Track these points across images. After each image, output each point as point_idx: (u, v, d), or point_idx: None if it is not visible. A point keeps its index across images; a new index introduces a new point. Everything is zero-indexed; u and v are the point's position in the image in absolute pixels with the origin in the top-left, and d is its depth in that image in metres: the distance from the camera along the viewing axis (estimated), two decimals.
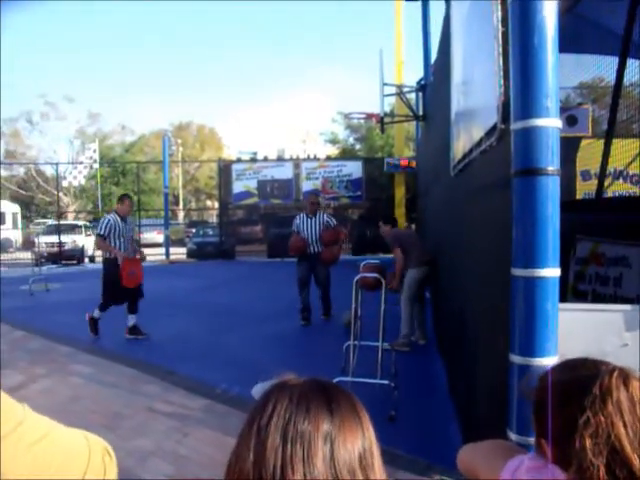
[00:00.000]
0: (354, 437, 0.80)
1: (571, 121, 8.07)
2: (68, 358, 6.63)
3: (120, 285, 7.47)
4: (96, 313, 7.74)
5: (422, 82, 14.03)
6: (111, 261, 7.57)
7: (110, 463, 1.00)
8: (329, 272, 8.50)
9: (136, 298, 7.72)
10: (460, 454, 1.41)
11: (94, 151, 23.05)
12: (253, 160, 23.58)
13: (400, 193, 20.23)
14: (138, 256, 7.95)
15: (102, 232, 7.50)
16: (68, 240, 21.69)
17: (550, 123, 1.92)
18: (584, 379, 1.02)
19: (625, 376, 0.99)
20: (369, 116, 16.69)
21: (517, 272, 2.02)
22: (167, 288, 12.94)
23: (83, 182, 25.88)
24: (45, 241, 21.14)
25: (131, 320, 7.71)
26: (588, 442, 0.95)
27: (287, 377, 0.89)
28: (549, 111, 1.91)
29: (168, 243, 22.39)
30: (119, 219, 7.62)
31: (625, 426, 0.95)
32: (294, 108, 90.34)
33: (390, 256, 20.73)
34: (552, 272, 1.98)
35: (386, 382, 4.74)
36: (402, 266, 6.78)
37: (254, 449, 0.79)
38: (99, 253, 22.91)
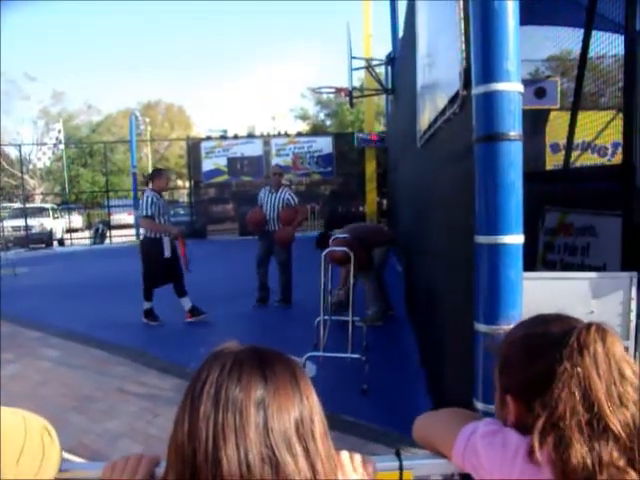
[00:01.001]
0: (290, 405, 0.77)
1: (540, 93, 8.07)
2: (37, 342, 6.52)
3: (162, 266, 7.19)
4: (146, 305, 7.37)
5: (391, 55, 13.96)
6: (153, 241, 7.14)
7: (50, 443, 0.97)
8: (290, 253, 8.00)
9: (181, 278, 7.38)
10: (416, 424, 1.39)
11: (59, 131, 22.51)
12: (223, 137, 23.33)
13: (371, 168, 20.20)
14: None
15: (149, 212, 7.01)
16: (35, 223, 21.29)
17: (511, 87, 1.88)
18: (560, 332, 1.01)
19: (602, 330, 0.99)
20: (338, 90, 16.53)
21: (480, 239, 2.00)
22: (137, 269, 12.78)
23: (48, 164, 25.34)
24: (11, 225, 20.73)
25: (186, 303, 7.36)
26: (564, 392, 0.95)
27: (226, 344, 0.85)
28: (510, 75, 1.87)
29: (138, 224, 22.12)
30: (158, 196, 7.23)
31: (600, 379, 0.95)
32: (263, 84, 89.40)
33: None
34: (515, 239, 1.96)
35: (357, 356, 4.75)
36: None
37: (188, 418, 0.77)
38: (68, 236, 22.76)
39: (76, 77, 74.16)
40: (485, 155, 1.94)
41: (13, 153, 34.62)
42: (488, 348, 1.94)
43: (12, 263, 13.08)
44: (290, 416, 0.77)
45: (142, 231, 7.33)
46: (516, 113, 1.90)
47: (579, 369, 0.96)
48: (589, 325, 1.00)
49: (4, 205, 33.67)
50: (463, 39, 2.27)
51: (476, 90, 1.94)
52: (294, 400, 0.78)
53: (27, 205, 23.88)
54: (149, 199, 7.04)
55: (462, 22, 2.27)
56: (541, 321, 1.09)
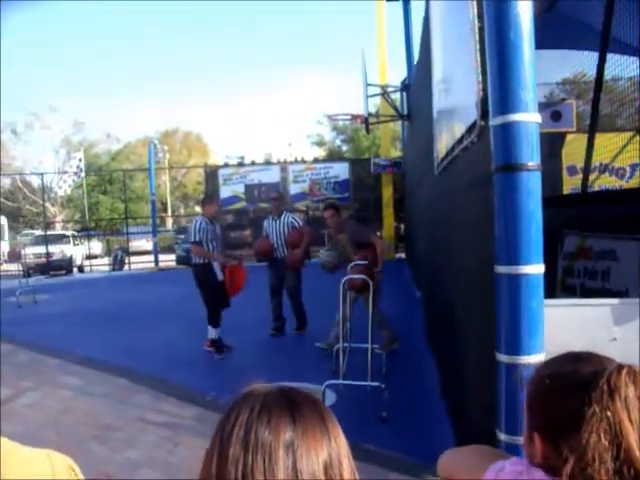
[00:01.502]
0: (318, 447, 0.77)
1: (556, 117, 8.06)
2: (57, 370, 6.56)
3: (220, 289, 7.07)
4: (213, 334, 7.11)
5: (406, 82, 14.07)
6: (203, 267, 7.06)
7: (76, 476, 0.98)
8: (299, 279, 7.78)
9: (214, 307, 7.16)
10: (440, 460, 1.38)
11: (80, 160, 22.89)
12: (240, 165, 23.52)
13: (388, 193, 20.23)
14: (236, 262, 7.60)
15: (197, 238, 6.94)
16: (56, 250, 21.51)
17: (529, 118, 1.90)
18: (590, 372, 0.98)
19: (634, 373, 0.96)
20: (354, 117, 16.66)
21: (501, 269, 2.00)
22: (156, 296, 12.87)
23: (69, 191, 25.71)
24: (32, 252, 20.97)
25: (212, 333, 7.12)
26: (593, 437, 0.92)
27: (254, 386, 0.86)
28: (527, 105, 1.89)
29: (157, 250, 22.28)
30: (208, 221, 7.14)
31: (632, 424, 0.92)
32: (280, 111, 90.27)
33: None
34: (536, 269, 1.95)
35: (376, 383, 4.72)
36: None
37: (217, 460, 0.77)
38: (88, 263, 23.01)
39: (96, 107, 75.29)
40: (504, 185, 1.95)
41: (35, 182, 35.29)
42: (517, 381, 1.92)
43: (32, 290, 13.20)
44: (319, 458, 0.77)
45: (193, 257, 7.19)
46: (534, 143, 1.91)
47: (609, 413, 0.93)
48: (620, 367, 0.97)
49: (26, 232, 34.23)
50: (479, 70, 2.29)
51: (494, 121, 1.96)
52: (322, 442, 0.78)
53: (48, 232, 24.17)
54: (198, 224, 7.00)
55: (478, 53, 2.29)
56: (571, 359, 1.07)
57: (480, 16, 2.20)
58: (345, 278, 5.18)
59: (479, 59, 2.30)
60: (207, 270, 7.03)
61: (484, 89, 2.23)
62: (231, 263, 7.39)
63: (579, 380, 0.99)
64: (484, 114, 2.27)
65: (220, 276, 7.09)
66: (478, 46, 2.29)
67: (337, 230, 6.44)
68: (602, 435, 0.92)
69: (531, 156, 1.90)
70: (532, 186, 1.90)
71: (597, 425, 0.93)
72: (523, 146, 1.89)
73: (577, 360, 1.05)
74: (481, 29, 2.21)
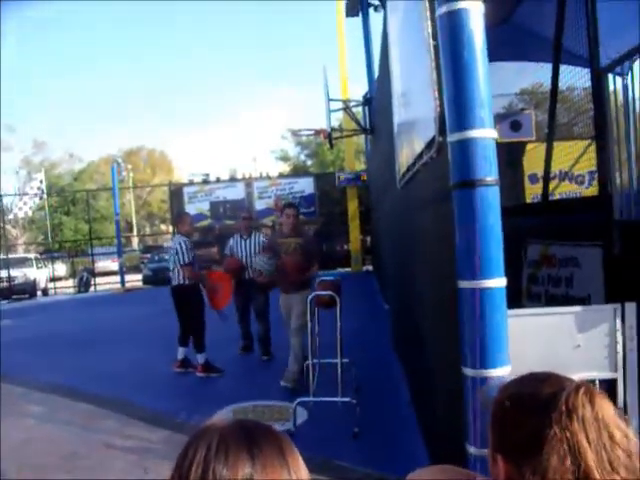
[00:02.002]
0: None
1: (516, 127, 8.21)
2: (20, 399, 6.38)
3: (191, 315, 6.95)
4: (202, 359, 6.92)
5: (367, 96, 14.17)
6: (193, 289, 6.96)
7: None
8: (267, 301, 7.50)
9: (200, 332, 7.00)
10: None
11: (41, 181, 22.50)
12: (205, 182, 23.38)
13: (353, 207, 20.33)
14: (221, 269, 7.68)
15: (188, 260, 6.83)
16: (18, 274, 21.02)
17: (485, 134, 1.92)
18: (549, 394, 0.99)
19: (590, 393, 0.97)
20: (317, 132, 16.71)
21: (463, 284, 2.01)
22: (123, 317, 12.67)
23: (30, 213, 25.24)
24: None
25: (201, 359, 6.95)
26: (554, 459, 0.92)
27: (213, 420, 0.85)
28: (483, 122, 1.91)
29: (123, 271, 21.98)
30: (188, 240, 7.03)
31: (589, 444, 0.92)
32: (243, 127, 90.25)
33: (346, 270, 20.43)
34: (498, 282, 1.97)
35: (347, 399, 4.70)
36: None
37: None
38: (52, 285, 22.52)
39: (57, 126, 74.44)
40: (463, 201, 1.96)
41: None
42: (482, 403, 1.92)
43: None
44: None
45: (175, 278, 6.97)
46: (491, 159, 1.93)
47: (568, 434, 0.93)
48: (577, 387, 0.98)
49: None
50: (436, 87, 2.31)
51: (451, 138, 1.98)
52: (282, 476, 0.77)
53: (9, 255, 23.62)
54: (184, 245, 6.84)
55: (434, 71, 2.32)
56: (532, 380, 1.06)
57: (435, 35, 2.23)
58: (313, 294, 5.16)
59: (435, 76, 2.33)
60: (196, 292, 6.98)
61: (441, 105, 2.26)
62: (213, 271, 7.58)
63: (539, 401, 0.99)
64: (442, 130, 2.29)
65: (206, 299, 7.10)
66: (434, 64, 2.32)
67: (292, 232, 6.12)
68: (562, 456, 0.92)
69: (489, 171, 1.92)
70: (491, 200, 1.92)
71: (557, 446, 0.93)
72: (480, 161, 1.91)
73: (537, 380, 1.05)
74: (436, 47, 2.23)
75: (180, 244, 6.84)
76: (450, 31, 1.94)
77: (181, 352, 7.08)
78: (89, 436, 4.96)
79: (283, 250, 5.99)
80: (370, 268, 19.05)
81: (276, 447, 0.80)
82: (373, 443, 4.42)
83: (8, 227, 29.30)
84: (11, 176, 39.72)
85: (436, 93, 2.32)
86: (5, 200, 25.16)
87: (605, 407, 0.96)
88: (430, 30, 2.32)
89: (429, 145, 2.68)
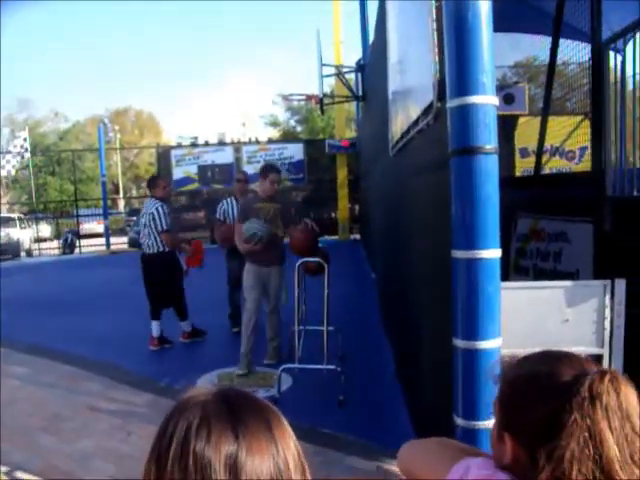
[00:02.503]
0: (265, 459, 0.72)
1: (508, 99, 8.15)
2: (3, 359, 6.33)
3: (177, 283, 6.69)
4: (156, 331, 6.65)
5: (361, 62, 14.01)
6: (169, 256, 6.60)
7: None
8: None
9: (182, 299, 6.81)
10: (400, 453, 1.33)
11: (24, 139, 22.11)
12: (193, 145, 23.16)
13: (342, 174, 20.25)
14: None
15: (165, 226, 6.44)
16: (2, 234, 20.80)
17: (487, 100, 1.87)
18: (571, 376, 0.94)
19: (616, 380, 0.92)
20: (308, 97, 16.56)
21: (458, 254, 1.98)
22: (108, 279, 12.60)
23: (13, 172, 24.86)
24: None
25: (186, 326, 6.86)
26: (572, 446, 0.88)
27: (192, 391, 0.79)
28: (485, 88, 1.86)
29: (108, 233, 21.83)
30: (164, 205, 6.61)
31: (612, 433, 0.88)
32: (233, 91, 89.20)
33: (333, 238, 20.44)
34: (493, 253, 1.94)
35: (332, 367, 4.71)
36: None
37: (155, 472, 0.72)
38: (36, 246, 22.33)
39: (42, 83, 73.00)
40: (461, 169, 1.92)
41: None
42: (489, 376, 1.90)
43: None
44: (264, 471, 0.71)
45: (151, 245, 6.53)
46: (491, 126, 1.89)
47: (589, 421, 0.89)
48: (603, 373, 0.93)
49: None
50: (437, 51, 2.25)
51: (451, 103, 1.92)
52: (269, 453, 0.73)
53: None
54: (161, 210, 6.44)
55: (435, 34, 2.25)
56: (549, 358, 1.02)
57: None
58: (300, 261, 5.12)
59: (437, 40, 2.26)
60: (173, 259, 6.67)
61: (441, 71, 2.19)
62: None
63: (558, 383, 0.94)
64: (441, 96, 2.24)
65: (184, 266, 6.84)
66: (435, 26, 2.25)
67: (271, 197, 5.57)
68: (582, 444, 0.88)
69: (489, 139, 1.88)
70: (490, 169, 1.88)
71: (577, 433, 0.89)
72: (481, 128, 1.86)
73: (555, 360, 1.00)
74: (439, 9, 2.16)
75: (157, 209, 6.43)
76: None
77: (156, 328, 6.66)
78: (73, 398, 4.94)
79: (262, 215, 5.43)
80: (357, 237, 19.07)
81: (263, 421, 0.75)
82: (357, 411, 4.44)
83: None
84: None
85: (436, 58, 2.25)
86: None
87: (630, 396, 0.92)
88: None
89: (426, 111, 2.63)
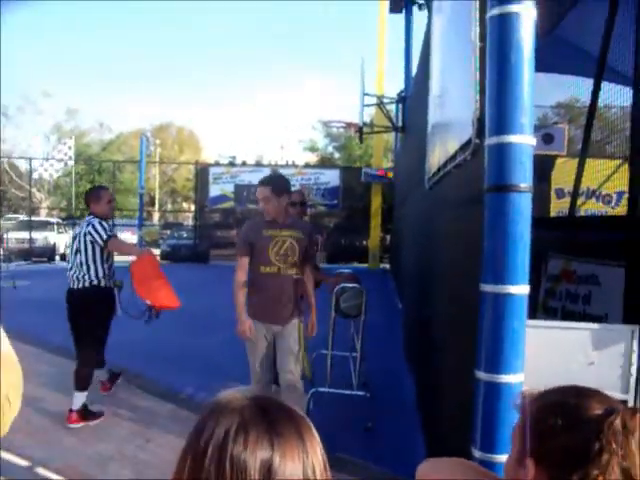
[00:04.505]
0: (295, 465, 0.76)
1: (547, 139, 8.16)
2: (32, 358, 6.47)
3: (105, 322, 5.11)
4: (78, 400, 4.74)
5: (402, 94, 14.14)
6: (98, 291, 4.96)
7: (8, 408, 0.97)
8: None
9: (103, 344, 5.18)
10: (419, 470, 1.36)
11: (69, 147, 22.70)
12: (231, 164, 23.53)
13: (377, 203, 20.31)
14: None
15: (110, 232, 4.96)
16: (39, 237, 21.29)
17: (524, 140, 1.91)
18: (601, 410, 0.96)
19: None
20: (348, 125, 16.76)
21: (486, 288, 2.01)
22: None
23: (54, 176, 25.45)
24: (15, 237, 20.76)
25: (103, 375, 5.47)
26: (607, 477, 0.90)
27: (228, 395, 0.84)
28: (523, 128, 1.91)
29: (142, 244, 22.17)
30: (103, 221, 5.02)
31: None
32: (274, 115, 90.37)
33: (363, 266, 20.32)
34: (521, 289, 1.97)
35: (362, 393, 4.72)
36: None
37: (190, 474, 0.76)
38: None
39: (90, 95, 75.06)
40: (495, 205, 1.96)
41: (22, 165, 34.96)
42: (512, 405, 1.91)
43: (12, 275, 13.05)
44: (295, 478, 0.76)
45: (81, 278, 4.88)
46: (527, 165, 1.93)
47: (622, 453, 0.90)
48: (634, 410, 0.96)
49: (9, 216, 33.89)
50: (478, 88, 2.30)
51: (489, 141, 1.97)
52: (300, 459, 0.77)
53: (32, 218, 23.93)
54: (98, 226, 4.89)
55: (478, 72, 2.31)
56: (579, 392, 1.04)
57: (482, 36, 2.22)
58: (338, 286, 5.03)
59: (478, 77, 2.32)
60: (108, 294, 5.09)
61: (481, 108, 2.25)
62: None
63: (588, 415, 0.97)
64: (480, 132, 2.29)
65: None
66: (478, 64, 2.31)
67: (285, 224, 4.14)
68: (615, 475, 0.90)
69: (523, 177, 1.92)
70: (523, 207, 1.92)
71: (611, 464, 0.90)
72: (516, 167, 1.91)
73: (585, 395, 1.03)
74: (482, 49, 2.22)
75: (93, 226, 4.86)
76: (500, 33, 1.93)
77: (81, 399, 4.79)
78: (96, 401, 5.03)
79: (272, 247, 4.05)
80: (387, 266, 19.03)
81: (295, 430, 0.80)
82: (375, 438, 4.44)
83: (33, 190, 29.61)
84: (42, 140, 40.12)
85: (477, 95, 2.31)
86: (33, 163, 25.34)
87: None
88: (478, 31, 2.30)
89: (464, 147, 2.67)
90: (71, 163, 23.62)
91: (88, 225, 4.88)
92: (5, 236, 20.10)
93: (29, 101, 38.85)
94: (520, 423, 1.07)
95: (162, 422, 4.71)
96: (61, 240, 22.83)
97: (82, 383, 4.75)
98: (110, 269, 5.09)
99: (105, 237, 4.84)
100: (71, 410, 4.67)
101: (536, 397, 1.08)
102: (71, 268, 4.98)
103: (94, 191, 5.28)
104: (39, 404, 4.94)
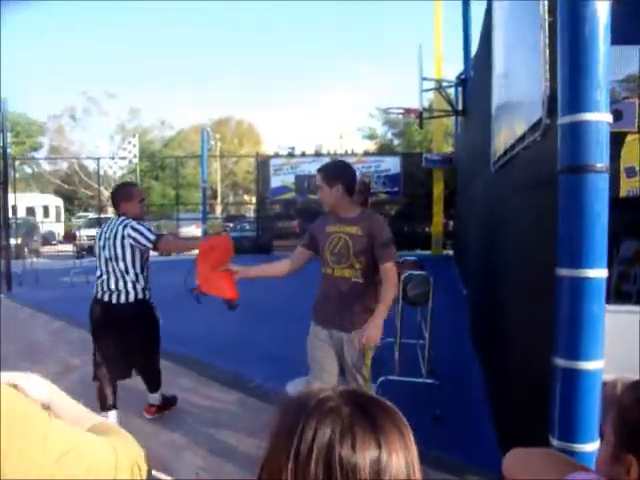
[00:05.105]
0: (400, 459, 0.77)
1: (616, 115, 7.83)
2: None
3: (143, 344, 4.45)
4: (156, 400, 4.73)
5: (462, 76, 13.86)
6: (135, 307, 4.35)
7: (139, 475, 0.98)
8: None
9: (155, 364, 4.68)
10: (507, 460, 1.32)
11: (134, 145, 23.32)
12: (291, 155, 23.67)
13: (439, 189, 20.03)
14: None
15: (155, 233, 4.35)
16: None
17: (600, 117, 1.83)
18: None
19: None
20: (408, 111, 16.55)
21: (563, 272, 1.94)
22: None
23: (119, 173, 26.18)
24: (86, 234, 21.54)
25: (154, 400, 4.76)
26: None
27: (316, 393, 0.84)
28: (599, 105, 1.82)
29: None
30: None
31: None
32: (332, 103, 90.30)
33: (426, 252, 20.13)
34: (599, 273, 1.90)
35: (431, 381, 4.69)
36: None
37: (292, 474, 0.76)
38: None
39: (151, 94, 76.89)
40: (570, 186, 1.89)
41: (90, 165, 36.27)
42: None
43: (85, 271, 13.54)
44: (402, 472, 0.77)
45: (115, 289, 4.27)
46: (604, 144, 1.85)
47: None
48: None
49: (80, 215, 35.21)
50: (547, 67, 2.22)
51: (562, 120, 1.90)
52: (404, 454, 0.78)
53: (102, 215, 24.77)
54: (139, 227, 4.24)
55: (547, 49, 2.23)
56: None
57: (551, 10, 2.14)
58: (405, 274, 4.99)
59: (548, 55, 2.23)
60: (148, 309, 4.54)
61: (552, 86, 2.17)
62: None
63: None
64: (550, 112, 2.21)
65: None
66: (547, 41, 2.22)
67: (344, 218, 3.59)
68: None
69: (600, 157, 1.84)
70: (600, 188, 1.84)
71: None
72: (592, 147, 1.83)
73: None
74: (551, 24, 2.14)
75: (132, 227, 4.19)
76: (572, 5, 1.85)
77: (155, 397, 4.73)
78: (168, 391, 5.16)
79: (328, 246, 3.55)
80: (450, 252, 18.77)
81: (395, 424, 0.81)
82: (444, 426, 4.40)
83: (101, 189, 30.60)
84: (107, 140, 41.42)
85: (547, 73, 2.23)
86: (101, 163, 26.20)
87: None
88: (547, 4, 2.21)
89: (533, 127, 2.59)
90: (135, 161, 24.21)
91: (125, 227, 4.17)
92: (77, 233, 20.85)
93: (95, 102, 40.11)
94: (615, 415, 1.02)
95: (232, 410, 4.81)
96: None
97: (156, 385, 4.68)
98: (148, 279, 4.51)
99: (153, 238, 4.22)
100: (151, 405, 4.67)
101: (631, 387, 1.02)
102: (101, 276, 4.31)
103: (124, 188, 4.56)
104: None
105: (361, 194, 4.91)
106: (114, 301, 4.25)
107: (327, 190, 3.47)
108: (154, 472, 3.50)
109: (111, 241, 4.22)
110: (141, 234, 4.19)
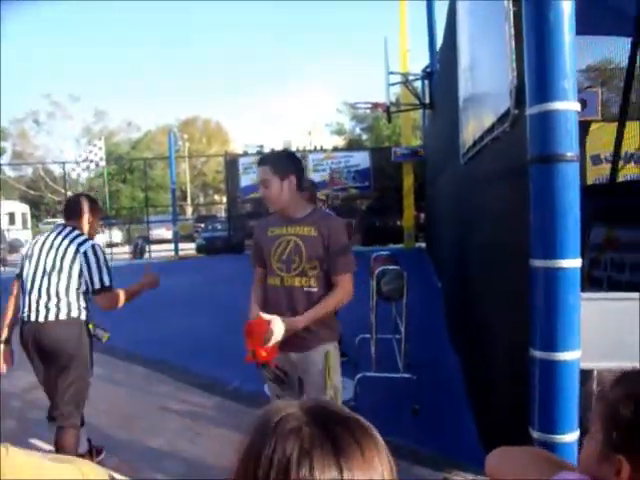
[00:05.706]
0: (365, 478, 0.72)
1: (581, 105, 7.91)
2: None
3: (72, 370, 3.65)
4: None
5: (428, 69, 13.91)
6: (83, 326, 3.73)
7: None
8: None
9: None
10: (490, 459, 1.28)
11: (99, 148, 22.97)
12: (259, 153, 23.49)
13: (408, 182, 20.12)
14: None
15: (109, 279, 3.70)
16: None
17: (569, 106, 1.83)
18: None
19: None
20: (375, 106, 16.55)
21: (537, 263, 1.93)
22: (177, 284, 12.90)
23: (84, 176, 25.82)
24: None
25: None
26: None
27: (280, 410, 0.79)
28: (567, 93, 1.82)
29: (177, 239, 22.38)
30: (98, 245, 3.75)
31: None
32: (299, 99, 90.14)
33: (399, 246, 20.24)
34: (573, 262, 1.89)
35: (408, 375, 4.68)
36: None
37: None
38: (109, 250, 23.19)
39: (116, 95, 75.89)
40: (541, 176, 1.88)
41: (56, 170, 35.66)
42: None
43: None
44: None
45: (51, 307, 3.51)
46: (573, 133, 1.84)
47: None
48: None
49: (48, 221, 34.58)
50: (514, 57, 2.21)
51: (531, 110, 1.89)
52: (370, 473, 0.73)
53: None
54: (99, 252, 3.64)
55: (512, 39, 2.22)
56: None
57: (515, 0, 2.13)
58: (377, 270, 4.99)
59: (513, 45, 2.22)
60: (85, 329, 3.75)
61: (519, 76, 2.16)
62: None
63: None
64: (518, 102, 2.20)
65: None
66: (512, 31, 2.21)
67: (291, 218, 3.08)
68: None
69: (570, 146, 1.83)
70: (571, 177, 1.83)
71: None
72: (562, 136, 1.82)
73: None
74: (516, 14, 2.13)
75: (93, 248, 3.60)
76: None
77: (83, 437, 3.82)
78: (145, 398, 5.10)
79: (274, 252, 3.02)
80: (422, 245, 18.89)
81: (359, 442, 0.75)
82: (423, 420, 4.40)
83: (69, 193, 30.10)
84: (72, 144, 40.81)
85: (513, 63, 2.22)
86: (67, 167, 25.77)
87: None
88: None
89: (502, 118, 2.58)
90: (102, 164, 23.86)
91: (83, 243, 3.57)
92: None
93: (59, 106, 39.47)
94: (603, 412, 0.98)
95: (211, 415, 4.74)
96: (99, 240, 23.10)
97: (73, 448, 3.49)
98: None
99: (108, 283, 3.65)
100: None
101: (617, 382, 0.99)
102: (32, 292, 3.53)
103: (80, 200, 3.89)
104: (88, 404, 5.01)
105: (307, 191, 4.19)
106: (47, 319, 3.49)
107: (277, 185, 2.91)
108: None
109: (55, 250, 3.56)
110: (98, 268, 3.56)
